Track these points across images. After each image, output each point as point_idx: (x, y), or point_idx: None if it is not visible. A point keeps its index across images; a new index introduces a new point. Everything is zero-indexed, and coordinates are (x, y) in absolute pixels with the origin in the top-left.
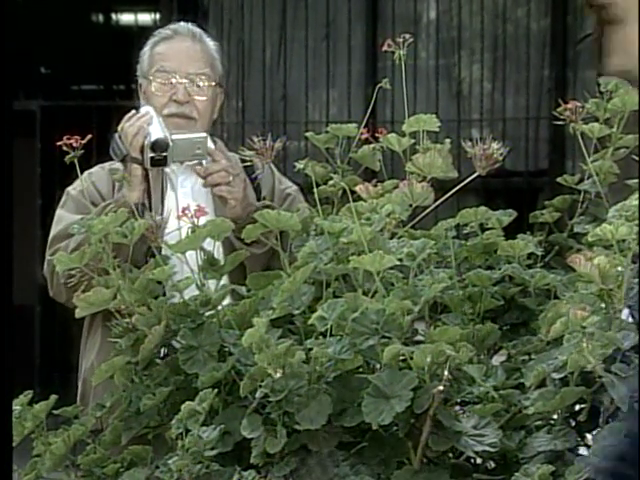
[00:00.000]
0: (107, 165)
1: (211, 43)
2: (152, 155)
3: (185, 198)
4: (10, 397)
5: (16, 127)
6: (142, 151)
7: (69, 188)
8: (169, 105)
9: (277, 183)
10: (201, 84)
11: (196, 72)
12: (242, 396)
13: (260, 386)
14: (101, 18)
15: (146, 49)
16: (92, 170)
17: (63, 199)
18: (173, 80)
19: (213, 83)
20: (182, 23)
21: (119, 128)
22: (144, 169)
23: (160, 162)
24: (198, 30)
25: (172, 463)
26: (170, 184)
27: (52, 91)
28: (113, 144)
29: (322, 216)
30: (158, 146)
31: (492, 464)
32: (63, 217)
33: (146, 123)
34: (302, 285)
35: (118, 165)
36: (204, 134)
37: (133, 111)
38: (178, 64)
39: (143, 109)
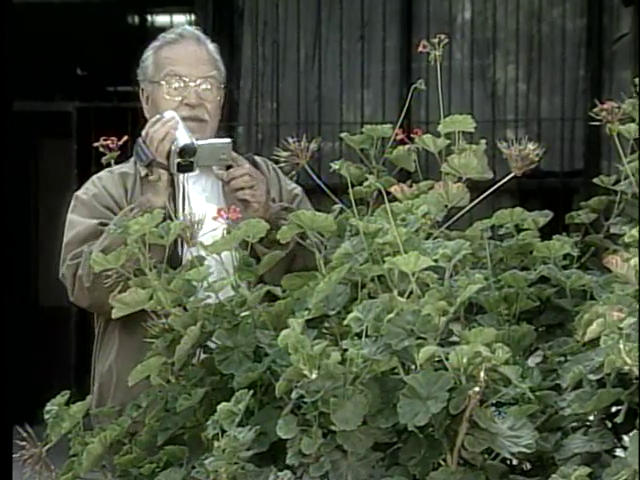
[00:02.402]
0: (116, 169)
1: (212, 46)
2: (179, 161)
3: (199, 201)
4: (9, 398)
5: (52, 128)
6: (168, 156)
7: (78, 193)
8: (181, 109)
9: (284, 184)
10: (210, 87)
11: (205, 75)
12: (278, 397)
13: (296, 387)
14: (137, 20)
15: (149, 53)
16: (100, 175)
17: (73, 204)
18: (183, 84)
19: (221, 85)
20: (186, 26)
21: (143, 133)
22: (170, 174)
23: (186, 168)
24: (201, 33)
25: (208, 463)
26: (181, 187)
27: (88, 93)
28: (137, 148)
29: (357, 217)
30: (186, 152)
31: (528, 465)
32: (76, 222)
33: (172, 128)
34: (337, 286)
35: (127, 169)
36: (228, 140)
37: (158, 116)
38: (188, 68)
39: (167, 114)
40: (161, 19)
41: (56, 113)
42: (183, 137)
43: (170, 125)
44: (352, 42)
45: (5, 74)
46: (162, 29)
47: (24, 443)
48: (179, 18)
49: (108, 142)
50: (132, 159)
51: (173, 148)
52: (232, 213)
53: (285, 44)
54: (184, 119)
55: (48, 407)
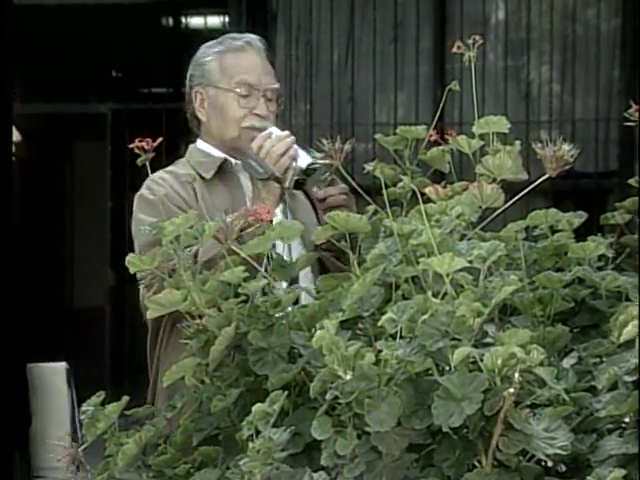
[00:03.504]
0: (172, 170)
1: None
2: (296, 178)
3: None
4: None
5: (87, 130)
6: (285, 172)
7: (143, 193)
8: (250, 118)
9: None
10: (272, 98)
11: (272, 86)
12: (312, 398)
13: (330, 388)
14: (171, 21)
15: (211, 57)
16: (161, 175)
17: (139, 204)
18: (254, 93)
19: (280, 96)
20: (250, 35)
21: (255, 146)
22: (283, 188)
23: (301, 184)
24: (263, 41)
25: (243, 464)
26: (286, 202)
27: (123, 94)
28: (251, 162)
29: (391, 218)
30: (310, 170)
31: (563, 467)
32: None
33: (291, 145)
34: (372, 287)
35: (187, 171)
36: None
37: (269, 131)
38: (258, 77)
39: (275, 129)
40: (195, 21)
41: (91, 115)
42: (303, 155)
43: (289, 142)
44: (385, 43)
45: (5, 75)
46: (196, 31)
47: (60, 443)
48: (213, 20)
49: (143, 143)
50: (182, 161)
51: (294, 164)
52: (265, 214)
53: (318, 45)
54: (252, 129)
55: (84, 408)
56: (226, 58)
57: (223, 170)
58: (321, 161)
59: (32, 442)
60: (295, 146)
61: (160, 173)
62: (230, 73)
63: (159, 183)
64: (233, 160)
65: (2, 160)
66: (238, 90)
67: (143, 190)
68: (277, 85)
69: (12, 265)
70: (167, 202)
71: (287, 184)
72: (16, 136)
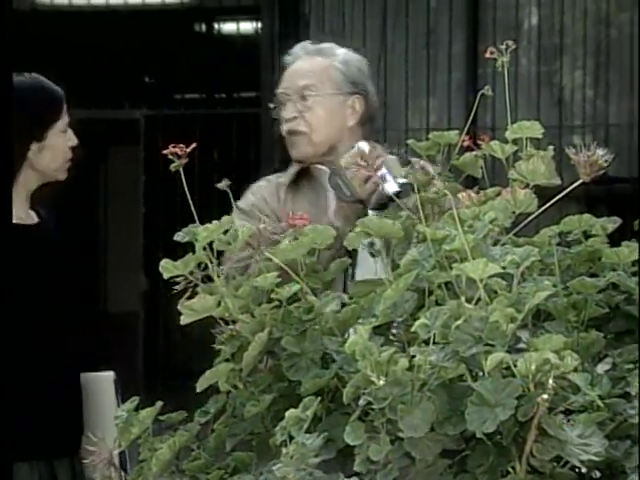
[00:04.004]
0: (273, 178)
1: (329, 58)
2: (381, 202)
3: None
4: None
5: (121, 136)
6: (370, 195)
7: (239, 202)
8: (283, 123)
9: None
10: (301, 95)
11: (299, 87)
12: (345, 403)
13: (363, 393)
14: (204, 27)
15: None
16: (260, 183)
17: (235, 212)
18: (282, 99)
19: (325, 94)
20: (304, 43)
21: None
22: (364, 208)
23: (383, 206)
24: (325, 45)
25: (276, 470)
26: None
27: (156, 100)
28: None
29: (424, 223)
30: (397, 196)
31: (597, 474)
32: None
33: (377, 170)
34: (405, 293)
35: (284, 179)
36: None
37: (357, 149)
38: (284, 83)
39: (366, 147)
40: (228, 27)
41: (124, 121)
42: (390, 179)
43: (375, 166)
44: (418, 49)
45: (5, 78)
46: (229, 37)
47: (94, 448)
48: (246, 26)
49: (176, 149)
50: (291, 170)
51: (380, 189)
52: (299, 220)
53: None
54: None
55: (117, 413)
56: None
57: (312, 177)
58: (402, 180)
59: (83, 451)
60: (382, 171)
61: (260, 180)
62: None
63: (253, 191)
64: (321, 167)
65: (2, 160)
66: (271, 105)
67: (241, 199)
68: (307, 82)
69: (11, 265)
70: (255, 211)
71: (370, 207)
72: (73, 141)
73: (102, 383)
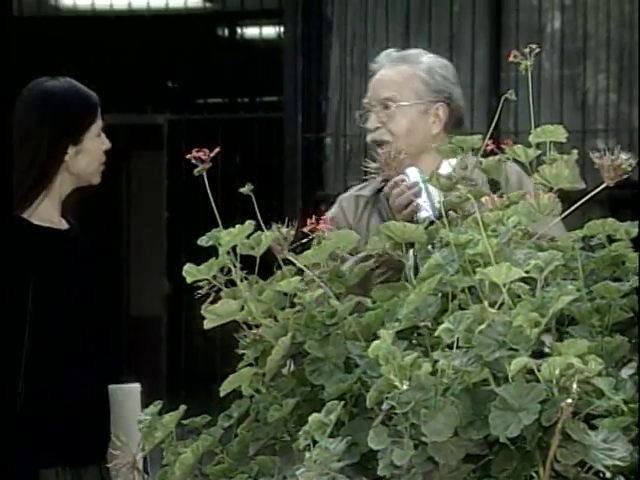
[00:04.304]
0: (355, 189)
1: (413, 66)
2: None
3: None
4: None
5: (144, 140)
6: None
7: (327, 213)
8: (368, 134)
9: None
10: (384, 106)
11: (381, 98)
12: (368, 408)
13: (386, 398)
14: (227, 32)
15: None
16: (344, 195)
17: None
18: (367, 109)
19: (407, 104)
20: (389, 51)
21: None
22: None
23: None
24: (409, 52)
25: (299, 474)
26: None
27: (179, 105)
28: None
29: (448, 228)
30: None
31: (622, 479)
32: None
33: (415, 196)
34: (428, 297)
35: (365, 192)
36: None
37: (402, 177)
38: (369, 93)
39: (412, 174)
40: (251, 31)
41: (148, 125)
42: (426, 207)
43: (413, 193)
44: (441, 53)
45: (5, 77)
46: (252, 41)
47: (117, 452)
48: (268, 30)
49: (200, 154)
50: (373, 182)
51: (415, 217)
52: (322, 225)
53: (374, 55)
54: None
55: (141, 417)
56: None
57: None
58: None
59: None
60: (417, 201)
61: (346, 192)
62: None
63: (338, 203)
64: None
65: (2, 160)
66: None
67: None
68: (389, 94)
69: (10, 266)
70: (333, 224)
71: None
72: (107, 144)
73: (129, 395)
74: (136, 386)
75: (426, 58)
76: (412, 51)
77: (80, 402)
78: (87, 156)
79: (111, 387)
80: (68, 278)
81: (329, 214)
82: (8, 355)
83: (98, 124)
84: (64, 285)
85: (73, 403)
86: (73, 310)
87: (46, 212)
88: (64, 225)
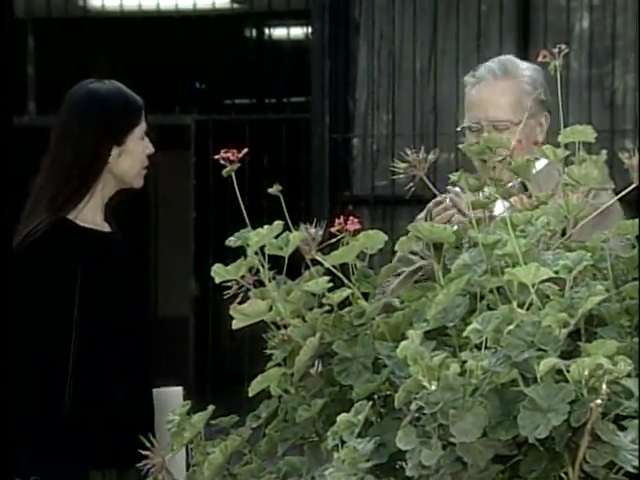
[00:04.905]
0: (433, 201)
1: (514, 80)
2: None
3: None
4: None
5: (172, 141)
6: None
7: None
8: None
9: None
10: (504, 129)
11: (495, 121)
12: (397, 408)
13: (415, 398)
14: (254, 33)
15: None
16: (436, 199)
17: None
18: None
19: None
20: (493, 63)
21: (431, 204)
22: None
23: None
24: (499, 67)
25: (328, 474)
26: None
27: (206, 105)
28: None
29: (476, 228)
30: None
31: None
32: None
33: (451, 215)
34: (456, 297)
35: (441, 198)
36: None
37: (444, 195)
38: (483, 112)
39: (453, 192)
40: (278, 32)
41: (175, 126)
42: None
43: (450, 213)
44: (468, 52)
45: (5, 78)
46: (279, 42)
47: (147, 452)
48: (296, 31)
49: (228, 154)
50: None
51: None
52: (350, 224)
53: (401, 55)
54: None
55: (170, 417)
56: (467, 93)
57: None
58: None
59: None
60: (455, 216)
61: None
62: (467, 108)
63: (427, 207)
64: None
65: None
66: (467, 125)
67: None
68: (502, 116)
69: (10, 266)
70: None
71: None
72: (150, 148)
73: (171, 397)
74: (179, 389)
75: (525, 67)
76: (508, 61)
77: (126, 404)
78: (130, 158)
79: (155, 390)
80: (113, 280)
81: (418, 217)
82: (8, 355)
83: (142, 127)
84: (109, 287)
85: (119, 405)
86: (118, 312)
87: (90, 214)
88: (107, 227)
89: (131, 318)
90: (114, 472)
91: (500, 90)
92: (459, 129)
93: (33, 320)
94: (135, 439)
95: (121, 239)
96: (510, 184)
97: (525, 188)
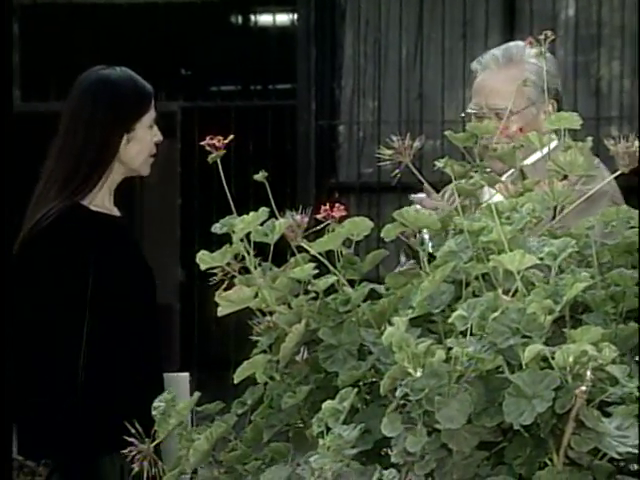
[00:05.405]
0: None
1: (514, 69)
2: None
3: None
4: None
5: (158, 128)
6: None
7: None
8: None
9: None
10: (503, 117)
11: (490, 108)
12: (382, 395)
13: (400, 385)
14: (240, 19)
15: None
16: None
17: None
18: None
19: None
20: (495, 50)
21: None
22: None
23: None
24: (502, 53)
25: (313, 461)
26: None
27: (192, 92)
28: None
29: (462, 215)
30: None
31: (636, 466)
32: None
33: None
34: (441, 284)
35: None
36: None
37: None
38: (476, 98)
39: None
40: (264, 18)
41: (161, 113)
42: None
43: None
44: (454, 40)
45: (5, 76)
46: (264, 29)
47: (132, 439)
48: (281, 17)
49: (214, 141)
50: None
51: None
52: (336, 211)
53: (387, 42)
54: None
55: (156, 404)
56: (474, 79)
57: None
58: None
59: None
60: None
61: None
62: (472, 94)
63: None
64: None
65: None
66: (470, 111)
67: None
68: (501, 104)
69: (9, 266)
70: None
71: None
72: (158, 137)
73: (179, 383)
74: (185, 375)
75: (530, 53)
76: (513, 47)
77: (137, 388)
78: (137, 145)
79: (164, 375)
80: (125, 264)
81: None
82: (8, 355)
83: (151, 115)
84: (122, 271)
85: (131, 389)
86: (130, 295)
87: (101, 199)
88: (117, 212)
89: (142, 301)
90: (124, 456)
91: (502, 78)
92: (463, 115)
93: (46, 304)
94: (143, 424)
95: (128, 225)
96: (509, 172)
97: (523, 176)
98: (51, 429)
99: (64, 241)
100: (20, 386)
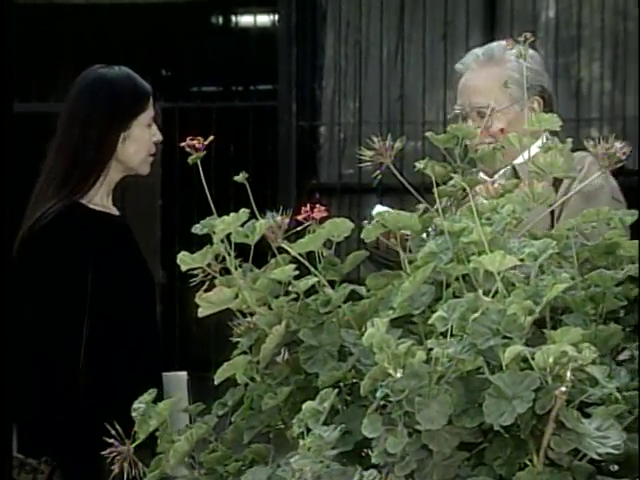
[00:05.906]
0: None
1: (497, 67)
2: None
3: None
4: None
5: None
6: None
7: None
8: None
9: None
10: (484, 115)
11: (473, 106)
12: (362, 396)
13: (381, 386)
14: (220, 20)
15: None
16: None
17: None
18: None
19: (491, 109)
20: (476, 50)
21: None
22: None
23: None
24: (484, 53)
25: (293, 462)
26: None
27: (173, 93)
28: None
29: (442, 216)
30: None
31: (616, 467)
32: None
33: None
34: (422, 285)
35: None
36: None
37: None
38: (460, 99)
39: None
40: (244, 19)
41: None
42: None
43: None
44: (435, 41)
45: (5, 74)
46: (245, 29)
47: (112, 440)
48: (262, 18)
49: (194, 142)
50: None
51: None
52: (317, 212)
53: (368, 43)
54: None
55: (135, 405)
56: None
57: None
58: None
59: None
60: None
61: None
62: (457, 94)
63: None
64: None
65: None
66: (455, 112)
67: None
68: (483, 102)
69: (9, 266)
70: None
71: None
72: (157, 136)
73: (176, 382)
74: (183, 374)
75: (512, 53)
76: (496, 47)
77: (137, 386)
78: (135, 144)
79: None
80: (124, 262)
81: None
82: (8, 355)
83: (149, 114)
84: (121, 269)
85: (131, 387)
86: (129, 294)
87: (100, 198)
88: (115, 211)
89: (141, 300)
90: None
91: (483, 76)
92: (449, 116)
93: (45, 303)
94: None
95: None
96: (502, 171)
97: (516, 174)
98: (51, 429)
99: (63, 240)
100: (20, 385)
